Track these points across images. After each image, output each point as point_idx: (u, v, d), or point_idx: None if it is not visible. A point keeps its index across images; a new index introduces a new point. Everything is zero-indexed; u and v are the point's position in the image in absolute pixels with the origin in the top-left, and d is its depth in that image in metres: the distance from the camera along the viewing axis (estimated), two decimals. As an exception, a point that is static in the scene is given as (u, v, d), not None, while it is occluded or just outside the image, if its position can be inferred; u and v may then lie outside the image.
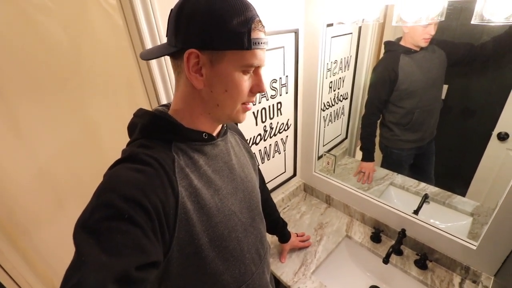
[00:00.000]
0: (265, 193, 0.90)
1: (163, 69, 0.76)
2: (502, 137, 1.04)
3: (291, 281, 0.98)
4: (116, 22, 1.22)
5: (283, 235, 1.03)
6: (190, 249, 0.46)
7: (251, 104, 0.52)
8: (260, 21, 0.45)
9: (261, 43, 0.45)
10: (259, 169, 0.83)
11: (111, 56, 1.26)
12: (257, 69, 0.48)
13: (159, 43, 0.73)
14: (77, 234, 0.35)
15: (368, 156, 1.31)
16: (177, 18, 0.44)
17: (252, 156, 0.70)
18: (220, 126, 0.56)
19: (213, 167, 0.52)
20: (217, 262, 0.51)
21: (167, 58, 0.73)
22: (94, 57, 1.24)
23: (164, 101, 0.80)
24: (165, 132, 0.48)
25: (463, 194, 1.13)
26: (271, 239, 1.17)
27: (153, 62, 0.74)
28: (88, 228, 0.35)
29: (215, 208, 0.50)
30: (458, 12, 0.94)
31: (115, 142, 1.07)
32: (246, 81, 0.47)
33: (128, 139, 0.50)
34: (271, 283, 0.73)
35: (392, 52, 1.13)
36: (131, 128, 0.50)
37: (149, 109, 0.52)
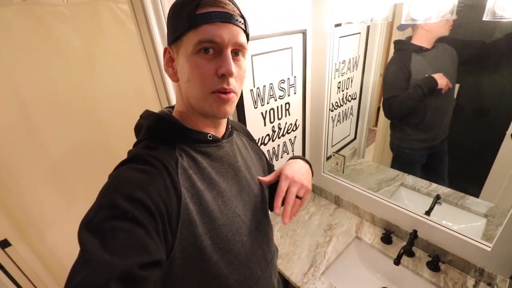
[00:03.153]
0: None
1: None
2: (517, 136, 1.01)
3: (300, 282, 0.98)
4: (128, 27, 1.25)
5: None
6: (193, 251, 0.46)
7: (230, 94, 0.46)
8: None
9: (212, 16, 0.41)
10: (272, 165, 0.78)
11: (123, 61, 1.30)
12: (221, 48, 0.43)
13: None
14: (81, 233, 0.36)
15: (427, 80, 1.09)
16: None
17: (261, 157, 0.69)
18: (225, 127, 0.55)
19: (217, 169, 0.52)
20: (221, 265, 0.50)
21: None
22: (106, 62, 1.28)
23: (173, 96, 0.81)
24: (169, 133, 0.49)
25: (476, 195, 1.10)
26: (279, 240, 1.17)
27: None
28: (93, 228, 0.36)
29: (217, 210, 0.49)
30: (469, 9, 0.92)
31: (126, 144, 1.10)
32: (205, 64, 0.43)
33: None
34: (278, 286, 0.71)
35: (403, 51, 1.12)
36: (138, 129, 0.51)
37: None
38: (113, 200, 0.37)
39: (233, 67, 0.43)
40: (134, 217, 0.37)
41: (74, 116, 1.25)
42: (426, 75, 1.09)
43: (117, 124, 1.36)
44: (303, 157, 0.70)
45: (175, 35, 0.44)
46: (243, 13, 0.47)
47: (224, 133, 0.55)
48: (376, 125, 1.47)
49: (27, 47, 1.09)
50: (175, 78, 0.48)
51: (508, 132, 1.02)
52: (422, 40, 1.05)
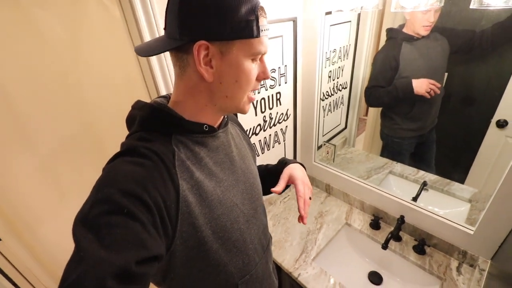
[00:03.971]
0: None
1: (162, 62, 0.76)
2: (501, 124, 1.04)
3: (292, 268, 1.00)
4: (113, 14, 1.20)
5: (285, 163, 0.71)
6: (194, 242, 0.46)
7: (255, 93, 0.53)
8: (262, 7, 0.45)
9: (266, 29, 0.46)
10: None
11: (108, 49, 1.26)
12: (262, 56, 0.49)
13: (157, 35, 0.73)
14: (76, 229, 0.35)
15: (405, 84, 1.11)
16: (180, 9, 0.41)
17: (252, 148, 0.70)
18: (221, 117, 0.56)
19: (215, 159, 0.52)
20: (221, 254, 0.51)
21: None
22: (91, 50, 1.24)
23: (164, 93, 0.80)
24: (165, 124, 0.48)
25: (461, 181, 1.14)
26: (272, 228, 1.19)
27: (153, 56, 0.74)
28: (87, 223, 0.35)
29: (217, 200, 0.50)
30: (457, -3, 0.93)
31: (115, 136, 1.08)
32: (254, 69, 0.48)
33: (127, 133, 0.50)
34: (273, 272, 0.74)
35: (394, 40, 1.12)
36: (130, 120, 0.50)
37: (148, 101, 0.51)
38: (108, 195, 0.36)
39: None
40: (130, 211, 0.36)
41: (61, 108, 1.21)
42: (405, 81, 1.12)
43: (105, 115, 1.34)
44: (295, 160, 0.74)
45: (226, 35, 0.42)
46: None
47: (220, 123, 0.56)
48: (366, 114, 1.49)
49: (7, 36, 1.04)
50: (211, 77, 0.45)
51: (493, 120, 1.05)
52: (411, 29, 1.05)
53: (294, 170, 0.66)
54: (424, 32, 1.03)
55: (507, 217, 0.78)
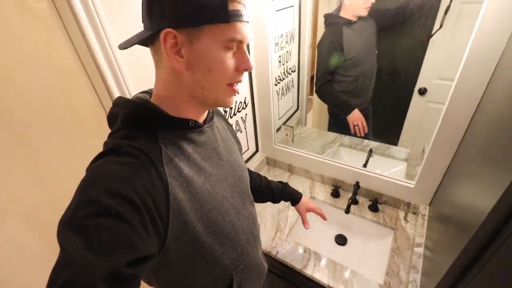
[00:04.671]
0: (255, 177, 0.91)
1: (109, 55, 0.67)
2: (422, 91, 1.23)
3: (270, 247, 1.06)
4: (34, 6, 0.99)
5: (290, 195, 0.93)
6: (187, 238, 0.46)
7: (237, 85, 0.49)
8: None
9: (241, 15, 0.43)
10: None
11: (32, 46, 1.04)
12: (240, 45, 0.46)
13: (99, 25, 0.63)
14: (61, 233, 0.34)
15: (347, 108, 1.32)
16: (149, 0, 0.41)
17: (238, 141, 0.70)
18: (207, 112, 0.55)
19: (202, 154, 0.52)
20: (215, 247, 0.52)
21: (114, 45, 0.65)
22: (10, 52, 1.01)
23: (117, 93, 0.72)
24: (150, 121, 0.46)
25: (396, 143, 1.35)
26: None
27: (98, 51, 0.65)
28: (73, 226, 0.33)
29: (207, 195, 0.50)
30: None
31: (52, 142, 0.94)
32: (229, 59, 0.45)
33: (102, 134, 0.46)
34: (263, 257, 0.77)
35: (335, 25, 1.20)
36: (112, 118, 0.47)
37: (100, 103, 0.49)
38: (94, 196, 0.35)
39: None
40: (118, 213, 0.35)
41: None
42: (348, 103, 1.33)
43: (40, 125, 1.13)
44: (296, 191, 0.97)
45: (194, 21, 0.41)
46: None
47: (206, 118, 0.55)
48: (311, 94, 1.60)
49: None
50: (181, 66, 0.43)
51: (416, 88, 1.24)
52: (351, 14, 1.14)
53: (306, 204, 0.96)
54: (365, 12, 1.13)
55: (438, 170, 0.96)
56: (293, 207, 0.97)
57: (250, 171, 0.91)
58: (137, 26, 0.48)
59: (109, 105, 0.60)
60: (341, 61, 1.24)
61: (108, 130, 0.48)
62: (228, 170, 0.58)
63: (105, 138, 0.47)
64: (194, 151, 0.50)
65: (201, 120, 0.53)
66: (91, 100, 0.76)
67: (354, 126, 1.32)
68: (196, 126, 0.51)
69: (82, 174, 0.40)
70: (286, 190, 0.94)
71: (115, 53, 0.68)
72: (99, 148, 0.44)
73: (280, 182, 0.96)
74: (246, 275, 0.64)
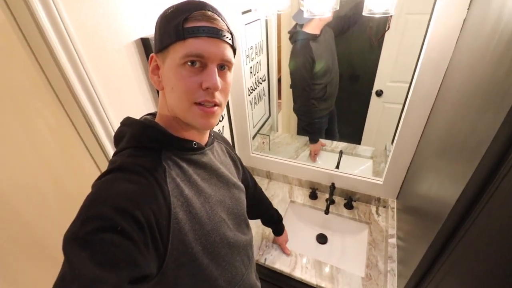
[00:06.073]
0: (258, 192, 0.95)
1: (79, 69, 0.62)
2: (379, 93, 1.35)
3: (257, 255, 1.09)
4: None
5: (278, 229, 1.08)
6: (185, 258, 0.47)
7: (211, 105, 0.46)
8: (204, 13, 0.44)
9: (200, 31, 0.42)
10: (249, 172, 0.88)
11: None
12: (206, 62, 0.44)
13: (65, 33, 0.58)
14: (67, 246, 0.34)
15: (315, 138, 1.50)
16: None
17: (237, 165, 0.72)
18: (208, 135, 0.57)
19: (202, 176, 0.53)
20: (212, 269, 0.53)
21: (85, 58, 0.63)
22: None
23: (91, 110, 0.67)
24: (155, 141, 0.48)
25: (359, 143, 1.46)
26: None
27: (67, 65, 0.60)
28: (80, 240, 0.34)
29: (206, 216, 0.51)
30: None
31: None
32: (191, 76, 0.44)
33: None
34: (256, 277, 0.78)
35: (303, 41, 1.27)
36: (118, 137, 0.50)
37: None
38: (102, 211, 0.36)
39: (218, 81, 0.45)
40: (124, 229, 0.36)
41: None
42: (317, 134, 1.50)
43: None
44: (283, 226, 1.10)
45: (162, 45, 0.45)
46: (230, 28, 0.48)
47: (207, 141, 0.57)
48: (279, 97, 1.66)
49: None
50: (160, 86, 0.49)
51: (373, 91, 1.37)
52: (315, 28, 1.22)
53: (286, 237, 1.12)
54: (327, 24, 1.22)
55: (402, 167, 1.07)
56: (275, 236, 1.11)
57: (262, 193, 0.99)
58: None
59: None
60: (314, 72, 1.32)
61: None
62: (226, 192, 0.59)
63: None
64: (195, 172, 0.51)
65: (203, 142, 0.55)
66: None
67: (314, 154, 1.51)
68: (198, 148, 0.53)
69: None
70: (280, 224, 1.08)
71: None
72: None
73: (278, 214, 1.06)
74: None
